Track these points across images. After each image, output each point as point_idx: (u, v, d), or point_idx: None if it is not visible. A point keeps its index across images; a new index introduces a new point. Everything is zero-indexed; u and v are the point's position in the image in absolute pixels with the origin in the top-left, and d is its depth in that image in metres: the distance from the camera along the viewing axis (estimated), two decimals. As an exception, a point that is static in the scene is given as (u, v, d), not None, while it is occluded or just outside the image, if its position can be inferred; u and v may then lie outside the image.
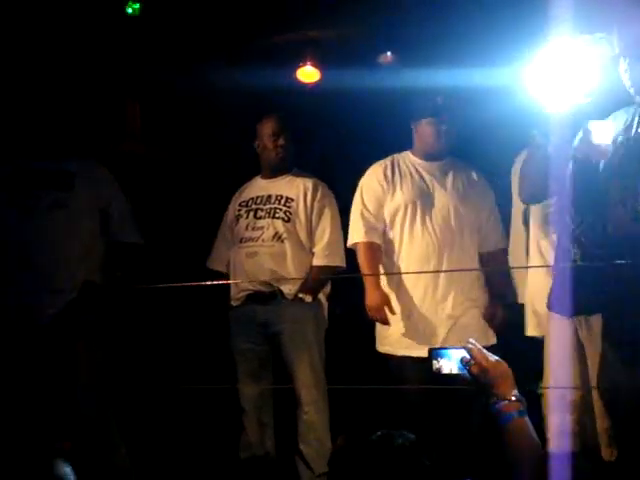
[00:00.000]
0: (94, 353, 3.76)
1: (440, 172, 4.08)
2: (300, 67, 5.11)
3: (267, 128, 4.24)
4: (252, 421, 4.14)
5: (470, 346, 2.21)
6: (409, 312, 3.95)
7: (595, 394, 2.90)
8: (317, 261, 4.15)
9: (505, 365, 2.16)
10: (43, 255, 3.71)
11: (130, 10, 4.67)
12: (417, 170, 4.08)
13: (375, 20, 4.99)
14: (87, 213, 3.84)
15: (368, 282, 3.94)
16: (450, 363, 2.25)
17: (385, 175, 4.07)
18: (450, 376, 2.28)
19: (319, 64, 5.11)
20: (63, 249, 3.76)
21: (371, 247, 4.02)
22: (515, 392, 2.11)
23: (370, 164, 4.19)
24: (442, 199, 4.00)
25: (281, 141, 4.20)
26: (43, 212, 3.74)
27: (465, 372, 2.19)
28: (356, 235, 4.05)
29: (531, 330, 3.73)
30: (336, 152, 5.00)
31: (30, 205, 3.74)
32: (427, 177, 4.06)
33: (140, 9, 4.66)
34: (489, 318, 3.97)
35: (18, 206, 3.73)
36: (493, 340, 3.98)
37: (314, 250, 4.16)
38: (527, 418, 2.10)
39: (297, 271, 4.10)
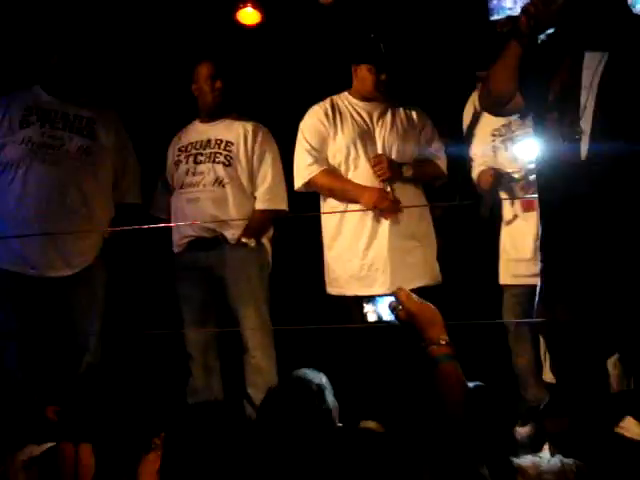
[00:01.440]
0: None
1: (379, 112, 4.07)
2: (240, 8, 5.02)
3: (204, 71, 4.17)
4: (198, 366, 4.15)
5: (398, 291, 2.20)
6: (355, 252, 3.95)
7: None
8: (259, 205, 4.13)
9: (433, 308, 2.16)
10: (74, 201, 3.71)
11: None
12: (356, 111, 4.07)
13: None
14: (108, 163, 3.87)
15: (352, 188, 3.95)
16: (380, 309, 2.26)
17: (326, 115, 4.05)
18: (380, 322, 2.30)
19: (259, 5, 5.03)
20: (93, 198, 3.79)
21: (327, 173, 4.02)
22: (444, 336, 2.11)
23: (310, 105, 4.15)
24: (382, 138, 4.00)
25: (218, 84, 4.14)
26: (70, 155, 3.72)
27: (394, 317, 2.19)
28: (307, 171, 4.02)
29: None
30: (276, 95, 4.93)
31: (58, 146, 3.69)
32: (367, 117, 4.05)
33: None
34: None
35: (45, 147, 3.67)
36: (440, 279, 4.03)
37: (256, 194, 4.14)
38: (456, 361, 2.10)
39: (239, 215, 4.08)
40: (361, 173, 3.97)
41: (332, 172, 4.00)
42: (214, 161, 4.09)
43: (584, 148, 2.63)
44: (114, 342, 4.07)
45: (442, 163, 4.12)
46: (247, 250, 4.07)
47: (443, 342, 2.11)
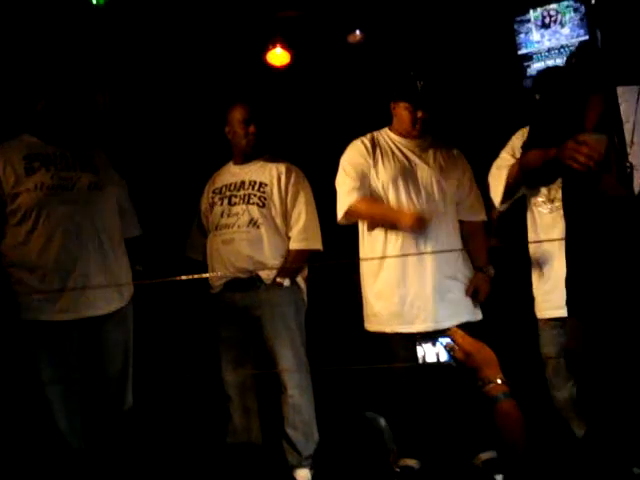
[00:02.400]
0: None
1: (420, 149, 4.08)
2: (270, 50, 5.09)
3: (237, 115, 4.21)
4: (237, 407, 4.16)
5: (453, 332, 2.23)
6: (397, 289, 3.94)
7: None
8: (294, 245, 4.15)
9: (488, 349, 2.18)
10: (98, 238, 3.71)
11: (95, 1, 4.63)
12: (397, 147, 4.08)
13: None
14: (114, 197, 3.84)
15: (390, 213, 3.96)
16: (435, 350, 2.26)
17: (367, 149, 4.06)
18: (436, 363, 2.30)
19: (289, 46, 5.09)
20: (113, 233, 3.79)
21: (369, 198, 4.02)
22: (500, 375, 2.15)
23: (344, 144, 4.17)
24: (424, 174, 4.00)
25: (252, 128, 4.18)
26: (84, 193, 3.71)
27: (450, 358, 2.21)
28: (347, 199, 4.00)
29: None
30: (308, 135, 4.97)
31: (70, 186, 3.69)
32: (408, 153, 4.06)
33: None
34: (473, 292, 4.00)
35: (60, 188, 3.66)
36: (480, 316, 4.02)
37: (290, 234, 4.16)
38: (513, 399, 2.12)
39: (274, 256, 4.10)
40: (407, 199, 3.97)
41: (371, 198, 4.01)
42: (248, 202, 4.13)
43: (637, 182, 2.60)
44: (151, 385, 4.08)
45: (484, 212, 4.09)
46: (282, 290, 4.08)
47: (500, 381, 2.14)
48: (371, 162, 4.02)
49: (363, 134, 4.17)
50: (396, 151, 4.06)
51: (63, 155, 3.73)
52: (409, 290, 3.91)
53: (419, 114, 4.00)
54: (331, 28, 5.12)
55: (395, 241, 3.93)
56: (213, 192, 4.26)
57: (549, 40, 4.75)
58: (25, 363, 3.58)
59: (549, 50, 4.70)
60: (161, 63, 5.06)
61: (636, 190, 2.62)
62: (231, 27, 5.17)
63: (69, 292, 3.58)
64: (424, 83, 4.00)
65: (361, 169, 4.02)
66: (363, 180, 4.01)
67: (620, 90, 2.68)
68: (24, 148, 3.72)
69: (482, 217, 4.07)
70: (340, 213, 4.03)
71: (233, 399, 4.16)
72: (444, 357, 2.25)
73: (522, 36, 4.86)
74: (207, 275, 4.16)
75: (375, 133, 4.14)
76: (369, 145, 4.07)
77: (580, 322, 2.81)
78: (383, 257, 3.93)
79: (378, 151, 4.05)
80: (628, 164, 2.62)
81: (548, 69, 4.35)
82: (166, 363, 4.46)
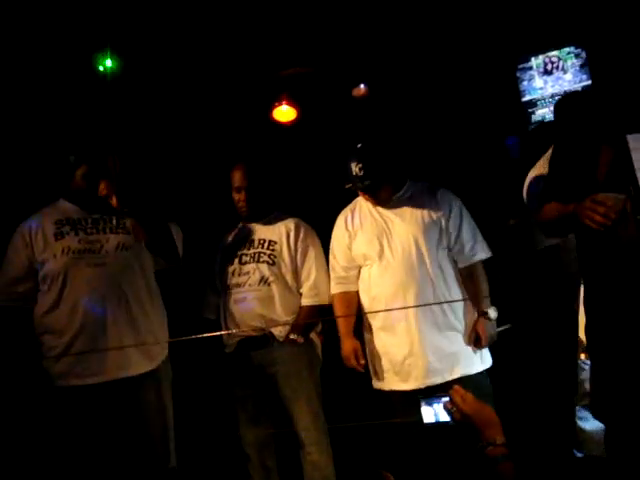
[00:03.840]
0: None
1: (397, 205, 4.01)
2: (276, 107, 5.15)
3: (233, 180, 4.25)
4: (257, 467, 4.14)
5: (453, 392, 2.21)
6: (390, 347, 3.94)
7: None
8: (305, 301, 4.16)
9: (489, 409, 2.17)
10: (128, 298, 3.72)
11: (102, 68, 4.71)
12: (375, 209, 4.04)
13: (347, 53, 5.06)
14: (144, 255, 3.86)
15: (340, 332, 4.00)
16: (436, 410, 2.26)
17: (346, 223, 4.08)
18: (436, 423, 2.29)
19: (295, 102, 5.15)
20: (146, 292, 3.80)
21: (341, 298, 4.07)
22: (501, 437, 2.12)
23: (352, 197, 4.20)
24: (401, 231, 3.94)
25: (242, 196, 4.22)
26: (111, 254, 3.73)
27: (450, 418, 2.20)
28: (331, 288, 4.12)
29: None
30: (315, 189, 5.01)
31: (98, 249, 3.72)
32: (385, 213, 4.00)
33: (113, 66, 4.68)
34: (473, 341, 3.91)
35: (86, 251, 3.70)
36: (488, 363, 3.96)
37: (301, 290, 4.17)
38: (511, 462, 2.10)
39: (286, 313, 4.12)
40: (384, 269, 3.94)
41: (341, 299, 4.07)
42: (258, 261, 4.15)
43: None
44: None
45: (481, 250, 3.99)
46: (296, 347, 4.08)
47: (499, 442, 2.11)
48: (352, 233, 4.04)
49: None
50: (374, 213, 4.02)
51: (95, 219, 3.78)
52: (401, 348, 3.89)
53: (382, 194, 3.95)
54: (336, 83, 5.17)
55: (379, 299, 3.94)
56: (224, 251, 4.29)
57: (552, 86, 4.79)
58: (62, 430, 3.58)
59: (552, 96, 4.74)
60: (169, 124, 5.13)
61: None
62: (237, 85, 5.26)
63: (97, 355, 3.58)
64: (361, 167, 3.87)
65: (344, 246, 4.06)
66: (346, 260, 4.05)
67: (630, 138, 2.69)
68: (57, 213, 3.78)
69: (474, 259, 3.97)
70: (327, 300, 4.15)
71: (252, 458, 4.14)
72: (445, 416, 2.24)
73: (525, 83, 4.90)
74: (220, 333, 4.16)
75: (359, 198, 4.13)
76: (349, 216, 4.09)
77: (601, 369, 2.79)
78: (375, 312, 3.92)
79: (357, 219, 4.05)
80: None
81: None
82: (185, 424, 4.46)
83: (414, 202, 3.98)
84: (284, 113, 5.14)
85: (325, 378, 4.24)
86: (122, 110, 5.09)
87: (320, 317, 4.19)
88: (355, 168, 3.86)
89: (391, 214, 3.97)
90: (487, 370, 3.94)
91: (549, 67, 4.75)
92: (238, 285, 4.16)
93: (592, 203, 2.72)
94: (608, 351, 2.78)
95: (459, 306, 3.93)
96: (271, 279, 4.12)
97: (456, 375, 3.80)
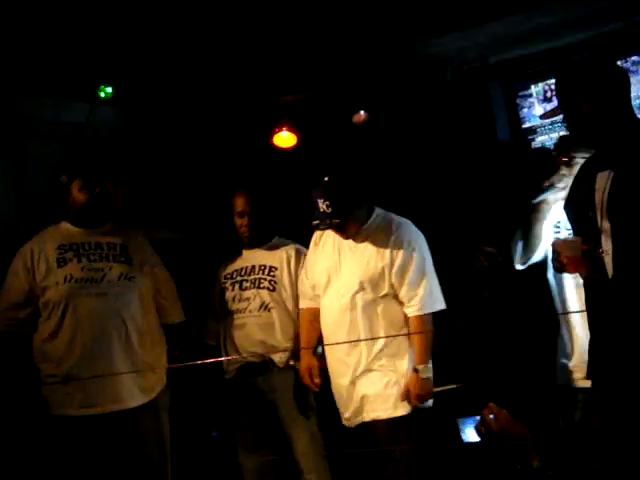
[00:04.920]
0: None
1: (359, 239, 3.86)
2: (276, 133, 5.16)
3: (236, 205, 4.24)
4: (256, 494, 4.12)
5: (485, 412, 2.16)
6: (338, 384, 3.89)
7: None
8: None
9: (522, 428, 2.10)
10: (127, 330, 3.69)
11: (102, 94, 4.73)
12: (338, 240, 3.93)
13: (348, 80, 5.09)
14: (149, 285, 3.84)
15: (302, 345, 3.96)
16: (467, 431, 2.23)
17: (316, 244, 4.02)
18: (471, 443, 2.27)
19: (295, 129, 5.17)
20: (141, 321, 3.76)
21: (307, 313, 4.03)
22: (535, 459, 2.06)
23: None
24: (346, 273, 3.83)
25: (244, 221, 4.20)
26: (113, 284, 3.70)
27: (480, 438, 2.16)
28: (299, 302, 4.09)
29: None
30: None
31: (100, 278, 3.69)
32: (344, 247, 3.89)
33: (112, 92, 4.71)
34: (404, 397, 3.73)
35: (88, 280, 3.67)
36: (402, 411, 3.73)
37: (302, 316, 4.16)
38: None
39: (286, 339, 4.11)
40: (324, 305, 3.90)
41: (304, 315, 4.02)
42: (259, 287, 4.15)
43: (609, 267, 2.62)
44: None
45: (421, 304, 3.74)
46: (296, 373, 4.07)
47: (535, 466, 2.05)
48: (316, 256, 3.99)
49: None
50: (336, 243, 3.92)
51: (98, 245, 3.76)
52: (341, 381, 3.85)
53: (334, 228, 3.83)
54: (336, 109, 5.20)
55: (324, 330, 3.93)
56: (224, 277, 4.28)
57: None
58: (57, 458, 3.56)
59: (552, 123, 4.75)
60: (170, 151, 5.14)
61: (609, 274, 2.63)
62: (238, 111, 5.28)
63: (95, 387, 3.55)
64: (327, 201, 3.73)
65: (310, 264, 4.01)
66: (312, 279, 3.99)
67: (598, 176, 2.71)
68: (60, 237, 3.75)
69: (411, 312, 3.74)
70: None
71: (252, 486, 4.11)
72: (474, 437, 2.20)
73: (525, 110, 4.92)
74: (220, 359, 4.15)
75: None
76: (318, 238, 4.02)
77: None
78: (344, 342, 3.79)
79: (322, 245, 3.99)
80: (600, 250, 2.65)
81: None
82: (185, 451, 4.43)
83: (372, 240, 3.81)
84: (284, 139, 5.15)
85: (323, 404, 4.22)
86: (123, 136, 5.13)
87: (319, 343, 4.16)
88: (322, 205, 3.72)
89: (348, 250, 3.84)
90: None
91: (549, 94, 4.77)
92: (238, 311, 4.16)
93: (553, 249, 2.84)
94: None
95: (385, 350, 3.75)
96: (271, 305, 4.12)
97: (368, 419, 3.75)
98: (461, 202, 4.77)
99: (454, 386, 3.89)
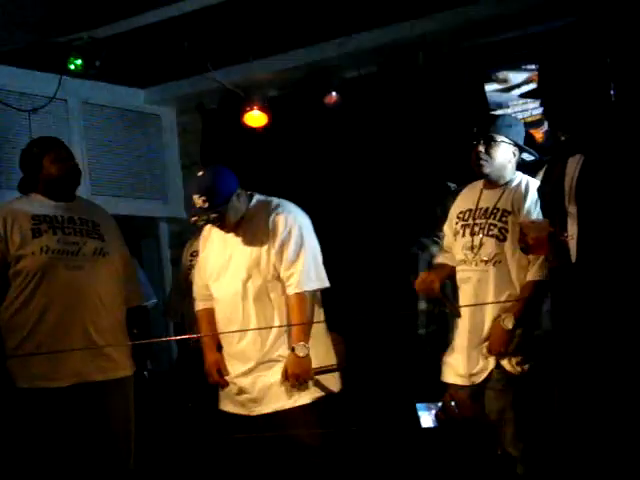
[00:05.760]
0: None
1: (240, 231, 3.71)
2: (247, 111, 5.16)
3: None
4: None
5: (447, 397, 2.16)
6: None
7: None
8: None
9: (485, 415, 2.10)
10: (101, 304, 3.66)
11: (72, 66, 4.71)
12: (224, 234, 3.77)
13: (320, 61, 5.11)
14: (119, 264, 3.81)
15: (204, 346, 3.80)
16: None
17: (205, 241, 3.86)
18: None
19: (267, 108, 5.17)
20: (112, 298, 3.72)
21: (202, 315, 3.86)
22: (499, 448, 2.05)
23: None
24: (234, 268, 3.69)
25: None
26: (89, 259, 3.67)
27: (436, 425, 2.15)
28: (195, 304, 3.94)
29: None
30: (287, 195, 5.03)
31: (76, 251, 3.65)
32: (230, 241, 3.73)
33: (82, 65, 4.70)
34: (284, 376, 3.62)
35: (65, 252, 3.62)
36: (306, 399, 3.62)
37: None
38: None
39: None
40: (217, 301, 3.76)
41: (202, 316, 3.85)
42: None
43: (573, 251, 2.65)
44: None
45: (299, 282, 3.60)
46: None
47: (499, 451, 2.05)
48: (206, 254, 3.84)
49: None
50: (221, 238, 3.76)
51: (70, 219, 3.72)
52: (239, 371, 3.72)
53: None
54: (308, 90, 5.21)
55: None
56: (191, 255, 4.27)
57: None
58: (22, 431, 3.51)
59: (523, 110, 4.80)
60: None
61: (573, 259, 2.66)
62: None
63: (67, 358, 3.52)
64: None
65: (203, 264, 3.85)
66: (203, 276, 3.85)
67: (570, 160, 2.74)
68: (32, 208, 3.69)
69: (289, 290, 3.62)
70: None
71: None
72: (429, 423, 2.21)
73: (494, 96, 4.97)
74: (185, 337, 4.15)
75: None
76: (206, 237, 3.85)
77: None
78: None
79: (210, 241, 3.83)
80: (565, 234, 2.67)
81: None
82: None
83: (253, 226, 3.70)
84: (255, 118, 5.16)
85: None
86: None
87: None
88: (198, 200, 3.56)
89: (234, 242, 3.71)
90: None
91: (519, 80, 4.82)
92: None
93: (520, 229, 2.85)
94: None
95: (282, 338, 3.65)
96: None
97: (268, 410, 3.62)
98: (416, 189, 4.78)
99: (334, 365, 3.67)
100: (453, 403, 2.18)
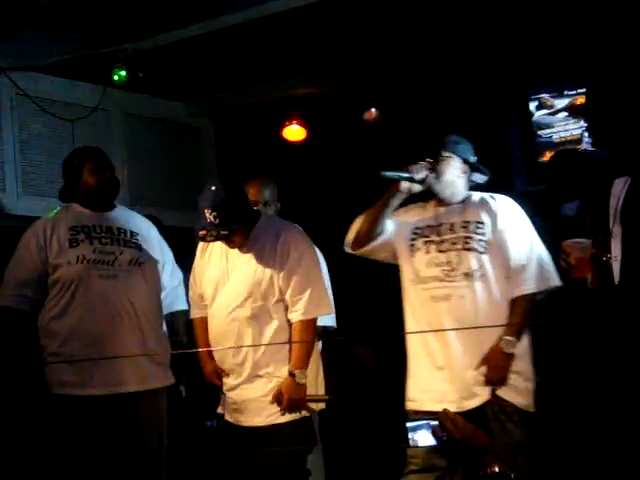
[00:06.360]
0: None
1: (245, 249, 3.64)
2: (286, 126, 5.20)
3: (248, 194, 4.09)
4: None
5: (443, 416, 2.09)
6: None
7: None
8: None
9: (482, 434, 2.05)
10: (137, 313, 3.64)
11: (116, 77, 4.78)
12: (225, 248, 3.70)
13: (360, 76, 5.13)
14: (157, 272, 3.81)
15: (201, 355, 3.74)
16: (425, 435, 2.18)
17: (203, 252, 3.77)
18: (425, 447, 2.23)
19: (305, 122, 5.21)
20: (147, 308, 3.71)
21: (198, 323, 3.82)
22: (497, 464, 1.99)
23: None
24: (235, 282, 3.61)
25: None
26: (124, 268, 3.67)
27: (438, 443, 2.07)
28: (192, 311, 3.88)
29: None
30: (323, 209, 5.05)
31: (112, 261, 3.66)
32: (232, 257, 3.66)
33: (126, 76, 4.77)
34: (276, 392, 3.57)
35: (100, 262, 3.64)
36: (283, 419, 3.55)
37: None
38: None
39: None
40: (212, 315, 3.69)
41: (198, 325, 3.80)
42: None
43: (616, 273, 2.63)
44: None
45: (305, 309, 3.51)
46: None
47: (497, 469, 1.99)
48: (204, 265, 3.75)
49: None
50: (222, 250, 3.68)
51: (109, 229, 3.74)
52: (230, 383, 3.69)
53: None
54: (347, 105, 5.23)
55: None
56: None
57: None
58: (57, 438, 3.52)
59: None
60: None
61: (616, 280, 2.63)
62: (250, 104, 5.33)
63: (102, 368, 3.52)
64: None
65: (198, 273, 3.78)
66: (200, 286, 3.79)
67: (616, 182, 2.73)
68: (71, 218, 3.72)
69: (294, 316, 3.54)
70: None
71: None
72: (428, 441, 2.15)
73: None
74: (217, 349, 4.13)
75: None
76: (205, 245, 3.74)
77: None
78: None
79: (209, 252, 3.75)
80: (608, 255, 2.65)
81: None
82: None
83: (259, 246, 3.61)
84: (294, 132, 5.19)
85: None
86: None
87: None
88: (209, 215, 3.46)
89: (236, 258, 3.64)
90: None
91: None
92: None
93: (562, 249, 2.80)
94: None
95: (275, 357, 3.58)
96: None
97: (247, 424, 3.58)
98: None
99: (327, 397, 3.59)
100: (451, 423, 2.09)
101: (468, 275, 3.31)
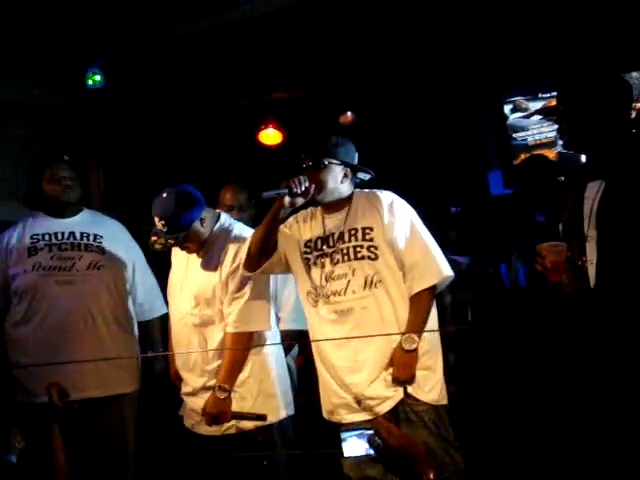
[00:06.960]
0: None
1: (200, 254, 3.60)
2: (262, 129, 5.19)
3: (224, 199, 4.13)
4: None
5: (378, 425, 2.07)
6: None
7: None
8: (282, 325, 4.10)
9: (415, 443, 2.04)
10: (93, 318, 3.67)
11: (91, 82, 4.75)
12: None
13: (336, 80, 5.13)
14: (122, 275, 3.82)
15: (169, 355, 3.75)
16: (359, 443, 2.15)
17: (173, 257, 3.73)
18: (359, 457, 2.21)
19: (282, 126, 5.20)
20: (107, 311, 3.72)
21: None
22: (432, 471, 1.96)
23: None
24: (186, 289, 3.55)
25: (233, 215, 3.96)
26: (81, 273, 3.70)
27: (373, 452, 2.06)
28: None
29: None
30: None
31: (69, 267, 3.69)
32: (191, 259, 3.61)
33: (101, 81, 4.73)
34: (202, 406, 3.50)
35: (57, 268, 3.67)
36: (233, 430, 3.47)
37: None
38: None
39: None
40: (173, 313, 3.66)
41: None
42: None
43: (592, 276, 2.64)
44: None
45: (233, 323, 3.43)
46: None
47: (433, 477, 1.96)
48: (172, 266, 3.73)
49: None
50: (184, 259, 3.63)
51: (71, 234, 3.76)
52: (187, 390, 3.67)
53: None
54: (323, 109, 5.23)
55: None
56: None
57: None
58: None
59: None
60: (156, 143, 5.15)
61: (591, 283, 2.64)
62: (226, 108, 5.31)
63: (59, 374, 3.48)
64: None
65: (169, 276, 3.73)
66: None
67: (589, 186, 2.73)
68: (35, 226, 3.76)
69: (227, 328, 3.44)
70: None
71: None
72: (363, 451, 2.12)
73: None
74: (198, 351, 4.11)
75: None
76: (177, 250, 3.66)
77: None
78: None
79: (173, 256, 3.71)
80: (584, 259, 2.65)
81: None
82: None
83: (210, 254, 3.53)
84: (270, 136, 5.18)
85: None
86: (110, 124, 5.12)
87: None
88: (159, 223, 3.43)
89: (193, 265, 3.57)
90: None
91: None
92: None
93: (537, 252, 2.75)
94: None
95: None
96: None
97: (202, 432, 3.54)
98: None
99: (259, 415, 3.41)
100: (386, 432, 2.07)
101: (366, 284, 3.20)
